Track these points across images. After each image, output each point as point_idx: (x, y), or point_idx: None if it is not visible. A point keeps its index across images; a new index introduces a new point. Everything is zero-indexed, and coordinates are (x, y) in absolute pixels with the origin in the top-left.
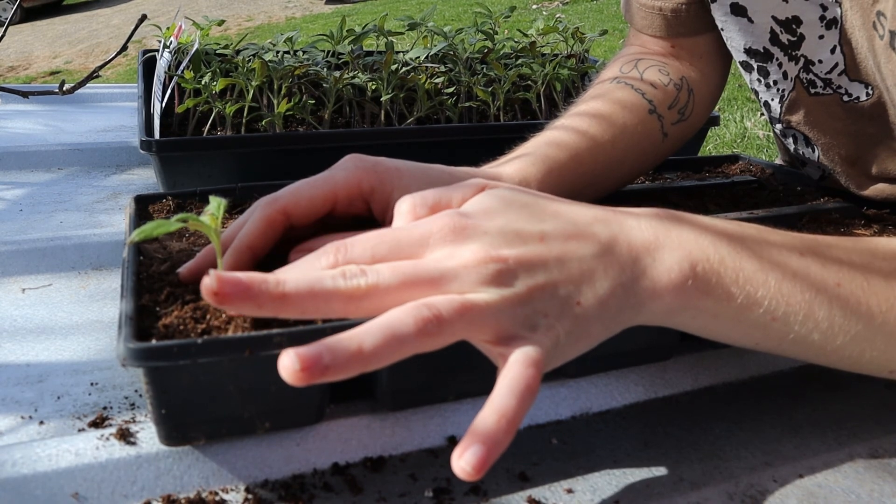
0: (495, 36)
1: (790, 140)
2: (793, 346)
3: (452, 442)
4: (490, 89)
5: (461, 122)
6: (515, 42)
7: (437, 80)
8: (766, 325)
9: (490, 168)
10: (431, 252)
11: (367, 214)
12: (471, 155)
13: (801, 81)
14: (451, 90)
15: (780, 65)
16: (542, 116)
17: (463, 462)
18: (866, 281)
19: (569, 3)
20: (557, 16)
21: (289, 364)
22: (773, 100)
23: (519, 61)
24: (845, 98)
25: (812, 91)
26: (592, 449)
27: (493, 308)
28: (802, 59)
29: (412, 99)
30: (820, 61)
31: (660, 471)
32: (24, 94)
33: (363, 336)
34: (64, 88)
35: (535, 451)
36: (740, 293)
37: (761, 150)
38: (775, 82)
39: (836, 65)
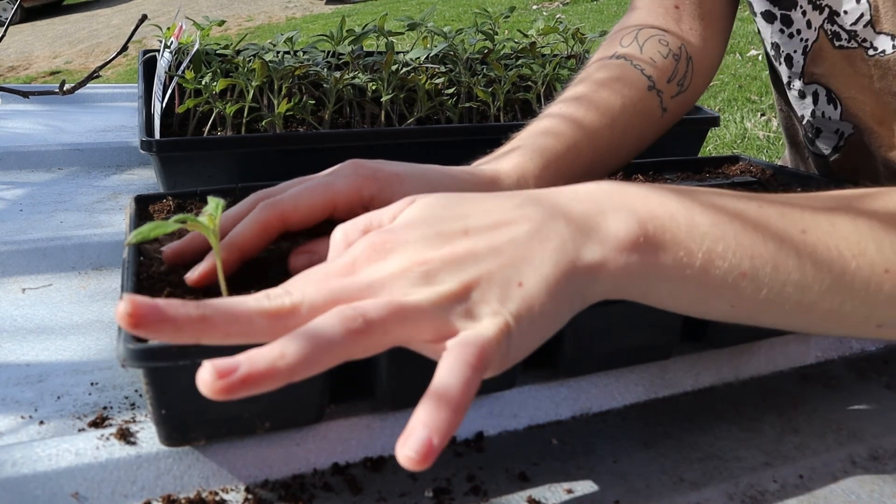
0: (495, 36)
1: (809, 99)
2: (769, 308)
3: (452, 442)
4: (490, 90)
5: (461, 123)
6: (515, 42)
7: (437, 81)
8: (735, 284)
9: (487, 164)
10: (358, 271)
11: None
12: (471, 155)
13: (825, 32)
14: (451, 91)
15: (804, 13)
16: None
17: (407, 449)
18: (832, 226)
19: (569, 4)
20: (557, 16)
21: (206, 377)
22: (795, 51)
23: (519, 62)
24: (870, 52)
25: (836, 44)
26: (592, 449)
27: (425, 305)
28: (827, 10)
29: (412, 99)
30: (845, 12)
31: (660, 471)
32: (24, 94)
33: (286, 343)
34: (64, 88)
35: (535, 451)
36: (699, 249)
37: (761, 150)
38: (798, 31)
39: (862, 15)
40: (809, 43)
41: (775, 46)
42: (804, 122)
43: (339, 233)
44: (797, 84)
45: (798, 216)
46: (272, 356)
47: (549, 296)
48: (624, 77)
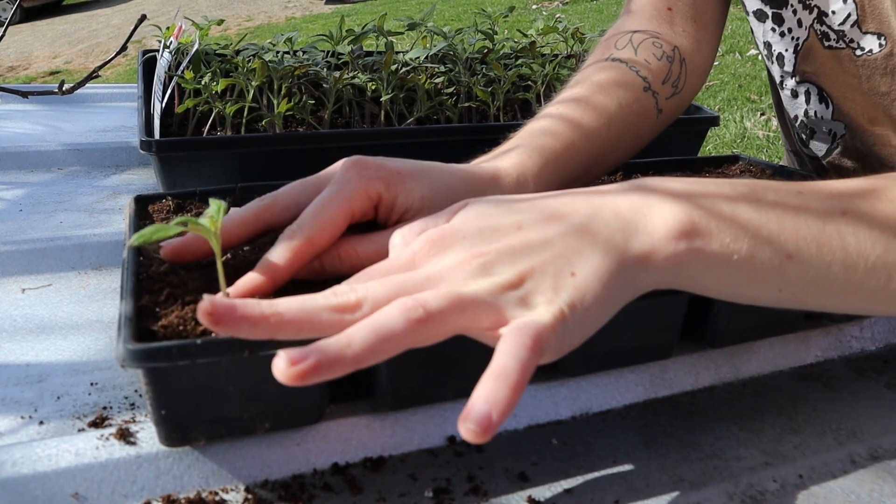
0: (495, 36)
1: (802, 99)
2: (817, 290)
3: (452, 442)
4: (490, 89)
5: (461, 123)
6: (515, 42)
7: (436, 81)
8: (782, 266)
9: (487, 162)
10: (417, 266)
11: (372, 218)
12: (471, 155)
13: (815, 32)
14: (450, 90)
15: (794, 11)
16: None
17: (469, 423)
18: (871, 207)
19: (568, 4)
20: (557, 16)
21: (281, 364)
22: (787, 50)
23: (519, 61)
24: (858, 52)
25: (826, 44)
26: (592, 449)
27: (482, 295)
28: (816, 10)
29: (412, 99)
30: (833, 12)
31: (660, 471)
32: (24, 94)
33: (353, 333)
34: (64, 88)
35: (535, 451)
36: (745, 234)
37: (761, 150)
38: (790, 30)
39: (849, 15)
40: (800, 42)
41: (767, 45)
42: (798, 123)
43: (398, 237)
44: (790, 83)
45: (837, 200)
46: (340, 345)
47: (602, 285)
48: (620, 79)
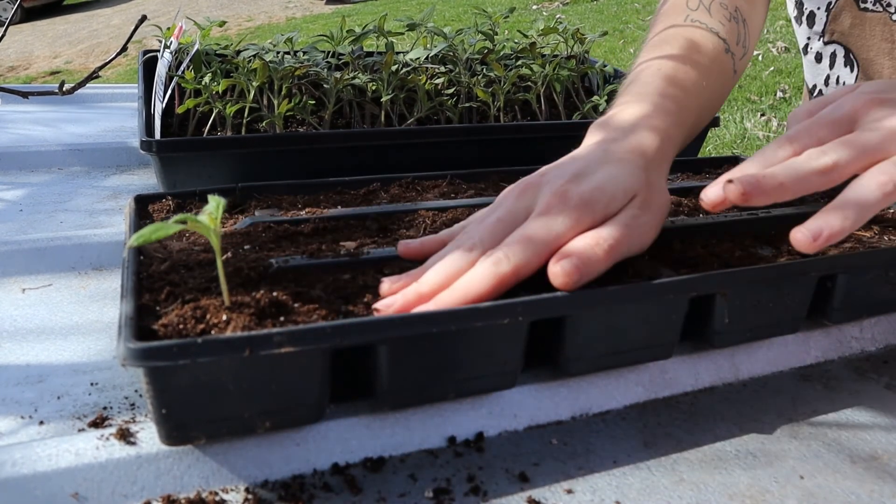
0: (495, 37)
1: (825, 63)
2: None
3: (452, 442)
4: (490, 90)
5: (461, 123)
6: (515, 43)
7: (437, 81)
8: None
9: (625, 141)
10: (862, 122)
11: None
12: (471, 155)
13: None
14: (451, 91)
15: None
16: (541, 117)
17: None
18: None
19: (569, 4)
20: (557, 16)
21: (800, 237)
22: (819, 8)
23: (519, 62)
24: (895, 17)
25: (862, 5)
26: (592, 449)
27: None
28: None
29: (412, 100)
30: None
31: (660, 471)
32: (24, 95)
33: (843, 211)
34: (64, 88)
35: (535, 451)
36: None
37: None
38: None
39: None
40: (833, 1)
41: (799, 4)
42: (815, 94)
43: (802, 110)
44: (816, 45)
45: None
46: (839, 219)
47: None
48: (705, 40)
